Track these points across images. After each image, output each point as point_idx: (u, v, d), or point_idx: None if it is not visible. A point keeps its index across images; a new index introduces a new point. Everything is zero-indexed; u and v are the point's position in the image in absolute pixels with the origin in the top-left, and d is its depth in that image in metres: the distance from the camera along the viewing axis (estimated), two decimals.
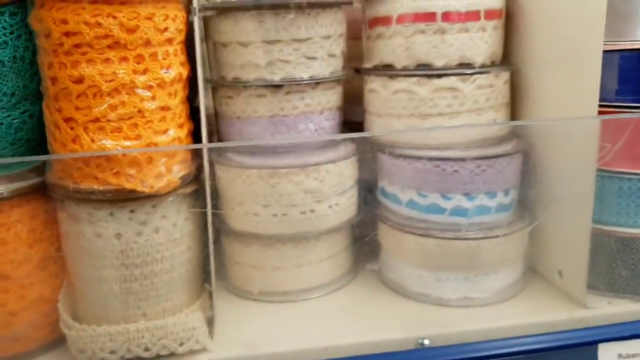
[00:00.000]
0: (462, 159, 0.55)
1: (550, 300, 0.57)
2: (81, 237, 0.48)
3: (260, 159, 0.57)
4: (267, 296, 0.59)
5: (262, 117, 0.58)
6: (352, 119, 0.67)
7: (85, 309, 0.50)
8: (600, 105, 0.50)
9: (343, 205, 0.60)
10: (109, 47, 0.45)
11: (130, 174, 0.46)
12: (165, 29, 0.47)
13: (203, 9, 0.57)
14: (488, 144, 0.57)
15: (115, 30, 0.44)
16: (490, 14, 0.57)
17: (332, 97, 0.60)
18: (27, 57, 0.49)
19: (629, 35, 0.53)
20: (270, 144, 0.58)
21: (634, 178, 0.53)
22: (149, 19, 0.45)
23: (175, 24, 0.48)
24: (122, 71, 0.45)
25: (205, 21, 0.60)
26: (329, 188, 0.58)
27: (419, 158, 0.56)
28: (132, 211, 0.47)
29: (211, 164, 0.57)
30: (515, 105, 0.62)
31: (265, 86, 0.57)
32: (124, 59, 0.45)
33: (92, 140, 0.45)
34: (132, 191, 0.46)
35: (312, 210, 0.57)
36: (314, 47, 0.57)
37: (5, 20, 0.47)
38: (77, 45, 0.44)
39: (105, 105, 0.45)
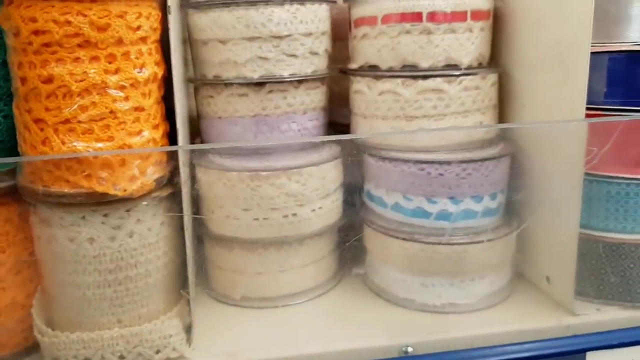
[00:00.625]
0: (448, 162, 0.54)
1: (538, 307, 0.56)
2: (53, 241, 0.47)
3: (241, 160, 0.56)
4: (249, 302, 0.58)
5: (244, 116, 0.57)
6: (339, 120, 0.66)
7: (59, 315, 0.49)
8: (588, 108, 0.50)
9: (327, 208, 0.58)
10: (79, 46, 0.44)
11: (102, 176, 0.45)
12: (139, 28, 0.46)
13: (180, 6, 0.56)
14: (474, 147, 0.56)
15: (85, 29, 0.43)
16: (477, 15, 0.56)
17: (315, 97, 0.59)
18: (0, 57, 0.47)
19: (618, 37, 0.52)
20: (249, 145, 0.57)
21: (622, 182, 0.52)
22: (121, 17, 0.44)
23: (149, 22, 0.47)
24: (92, 71, 0.44)
25: (185, 19, 0.58)
26: (312, 191, 0.56)
27: (405, 161, 0.55)
28: (105, 215, 0.46)
29: (192, 166, 0.56)
30: (502, 107, 0.61)
31: (247, 85, 0.56)
32: (94, 58, 0.44)
33: (63, 142, 0.44)
34: (104, 194, 0.45)
35: (294, 214, 0.56)
36: (294, 44, 0.56)
37: None
38: (46, 44, 0.43)
39: (76, 106, 0.44)
